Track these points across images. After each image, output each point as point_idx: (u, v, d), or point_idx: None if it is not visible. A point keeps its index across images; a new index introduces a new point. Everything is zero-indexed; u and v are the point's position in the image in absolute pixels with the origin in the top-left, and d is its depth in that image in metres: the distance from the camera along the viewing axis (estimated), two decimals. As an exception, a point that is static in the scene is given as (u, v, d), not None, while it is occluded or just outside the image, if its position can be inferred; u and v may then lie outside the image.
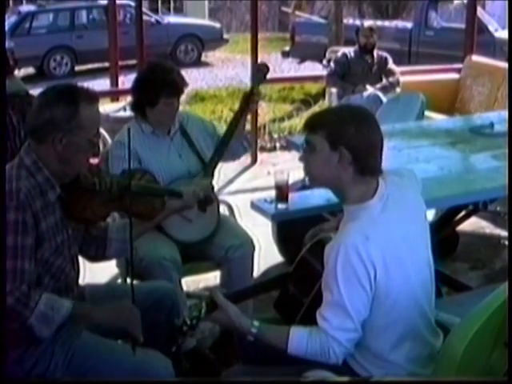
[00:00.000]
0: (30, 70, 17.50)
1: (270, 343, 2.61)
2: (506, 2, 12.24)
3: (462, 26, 9.07)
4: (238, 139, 4.05)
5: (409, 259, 2.57)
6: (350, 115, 2.62)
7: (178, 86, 3.87)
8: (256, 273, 4.13)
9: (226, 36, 20.47)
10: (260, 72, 4.07)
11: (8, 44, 4.61)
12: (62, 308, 2.61)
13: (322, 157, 2.60)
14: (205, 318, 2.57)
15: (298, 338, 2.55)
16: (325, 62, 11.67)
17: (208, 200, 3.65)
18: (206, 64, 19.19)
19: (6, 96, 3.90)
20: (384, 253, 2.48)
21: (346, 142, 2.54)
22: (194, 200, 3.38)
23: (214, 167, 3.97)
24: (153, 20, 18.66)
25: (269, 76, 4.19)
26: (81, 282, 3.01)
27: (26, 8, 19.66)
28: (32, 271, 2.58)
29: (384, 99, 6.95)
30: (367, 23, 8.03)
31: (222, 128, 9.55)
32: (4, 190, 2.58)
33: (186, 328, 2.53)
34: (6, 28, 16.71)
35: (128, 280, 3.90)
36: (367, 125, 2.58)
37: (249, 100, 4.00)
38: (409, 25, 15.93)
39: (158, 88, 3.79)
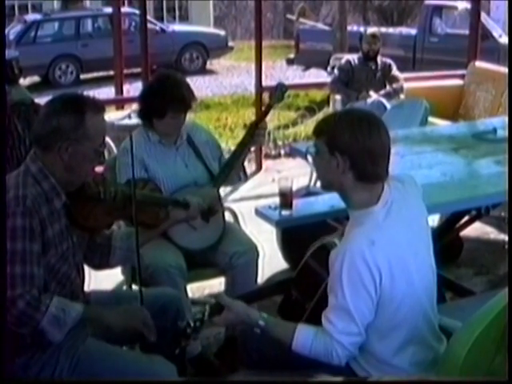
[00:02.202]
0: (36, 79, 17.55)
1: (276, 337, 2.64)
2: (506, 4, 12.28)
3: (467, 32, 9.07)
4: (236, 169, 4.03)
5: (413, 264, 2.59)
6: (348, 121, 2.62)
7: (186, 101, 3.85)
8: (260, 279, 4.14)
9: (230, 44, 20.52)
10: (279, 90, 4.08)
11: (13, 53, 4.61)
12: (73, 311, 2.63)
13: (324, 161, 2.63)
14: (208, 320, 2.58)
15: (304, 337, 2.58)
16: (329, 69, 11.68)
17: (212, 211, 3.69)
18: (211, 72, 19.23)
19: (12, 105, 3.94)
20: (389, 258, 2.50)
21: (340, 148, 2.56)
22: (197, 211, 3.42)
23: (223, 181, 4.00)
24: (158, 28, 18.73)
25: (273, 84, 4.23)
26: (86, 288, 3.02)
27: (31, 17, 19.71)
28: (41, 276, 2.60)
29: (388, 106, 6.95)
30: (370, 30, 8.04)
31: (226, 135, 9.58)
32: (4, 197, 2.59)
33: (190, 330, 2.55)
34: (12, 37, 16.83)
35: (133, 286, 3.93)
36: (365, 130, 2.56)
37: (266, 115, 4.03)
38: (413, 31, 15.99)
39: (166, 102, 3.78)
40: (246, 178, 4.36)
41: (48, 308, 2.56)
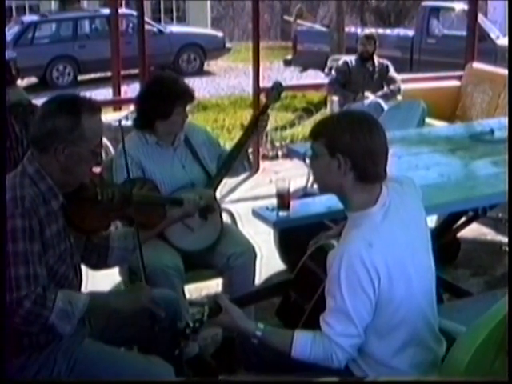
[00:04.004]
0: (33, 80, 17.54)
1: (274, 346, 2.63)
2: (507, 5, 12.28)
3: (464, 33, 9.09)
4: (240, 159, 4.07)
5: (411, 265, 2.58)
6: (348, 121, 2.62)
7: (189, 92, 3.89)
8: (258, 280, 4.14)
9: (228, 45, 20.51)
10: (275, 90, 4.09)
11: (11, 54, 4.61)
12: (79, 302, 2.63)
13: (323, 164, 2.62)
14: (208, 321, 2.58)
15: (302, 343, 2.57)
16: (326, 70, 11.69)
17: (209, 208, 3.69)
18: (209, 73, 19.23)
19: (9, 106, 3.93)
20: (387, 260, 2.49)
21: (342, 149, 2.55)
22: (194, 208, 3.43)
23: (220, 182, 4.00)
24: (155, 29, 18.72)
25: (270, 84, 4.25)
26: (83, 289, 3.02)
27: (28, 18, 19.70)
28: (44, 275, 2.60)
29: (385, 107, 6.95)
30: (365, 31, 8.03)
31: (224, 137, 9.58)
32: (4, 197, 2.59)
33: (189, 331, 2.54)
34: (9, 38, 16.81)
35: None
36: (365, 131, 2.56)
37: (258, 120, 4.03)
38: (410, 33, 16.00)
39: (171, 99, 3.79)
40: (251, 167, 4.38)
41: (55, 303, 2.56)
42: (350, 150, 2.55)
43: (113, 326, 2.96)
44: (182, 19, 26.86)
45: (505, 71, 7.57)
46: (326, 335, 2.54)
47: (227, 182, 4.70)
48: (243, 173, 4.48)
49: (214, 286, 4.36)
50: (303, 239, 3.39)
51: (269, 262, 4.83)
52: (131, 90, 10.31)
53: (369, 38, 7.63)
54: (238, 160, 4.04)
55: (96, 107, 2.78)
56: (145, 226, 3.14)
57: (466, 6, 11.65)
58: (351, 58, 7.68)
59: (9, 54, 4.75)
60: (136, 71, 8.60)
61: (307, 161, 2.73)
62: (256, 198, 6.39)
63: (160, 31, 19.17)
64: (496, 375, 2.49)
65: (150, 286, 3.49)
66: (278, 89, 4.09)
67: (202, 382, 3.72)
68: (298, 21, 18.70)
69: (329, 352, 2.53)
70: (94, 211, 2.87)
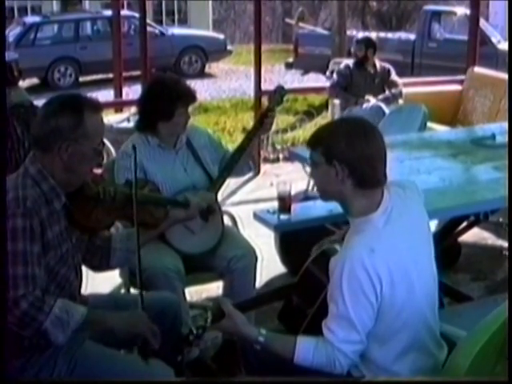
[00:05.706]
0: (35, 81, 17.55)
1: (277, 352, 2.63)
2: (507, 8, 12.29)
3: (465, 37, 9.09)
4: (245, 159, 4.07)
5: (414, 271, 2.58)
6: (343, 129, 2.63)
7: (192, 93, 3.91)
8: (259, 283, 4.14)
9: (229, 47, 20.52)
10: (278, 94, 4.11)
11: (13, 55, 4.60)
12: (76, 313, 2.62)
13: (321, 172, 2.64)
14: (210, 327, 2.57)
15: (305, 349, 2.57)
16: (328, 73, 11.68)
17: (210, 210, 3.70)
18: (210, 75, 19.23)
19: (11, 107, 3.93)
20: (389, 265, 2.49)
21: (338, 157, 2.56)
22: (196, 210, 3.43)
23: (222, 183, 4.00)
24: (157, 31, 18.73)
25: (271, 88, 4.26)
26: (83, 291, 3.02)
27: (30, 19, 19.71)
28: (42, 277, 2.60)
29: (386, 111, 6.94)
30: (358, 36, 8.02)
31: (225, 139, 9.57)
32: (5, 198, 2.59)
33: (192, 337, 2.54)
34: (11, 39, 16.83)
35: (131, 290, 3.92)
36: (361, 137, 2.57)
37: (263, 120, 4.04)
38: (412, 36, 15.99)
39: (173, 100, 3.80)
40: (255, 167, 4.38)
41: (52, 309, 2.55)
42: (346, 157, 2.55)
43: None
44: (183, 21, 26.87)
45: (506, 76, 7.55)
46: (329, 341, 2.54)
47: (229, 185, 4.71)
48: (248, 172, 4.48)
49: (215, 288, 4.36)
50: (304, 242, 3.39)
51: (269, 265, 4.82)
52: (133, 91, 10.32)
53: (358, 42, 7.59)
54: (242, 161, 4.04)
55: (97, 105, 2.79)
56: (146, 225, 3.14)
57: (467, 11, 11.66)
58: (352, 62, 7.67)
59: (11, 55, 4.74)
60: (137, 73, 8.61)
61: (307, 168, 2.74)
62: (257, 201, 6.39)
63: (162, 33, 19.20)
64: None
65: (150, 288, 3.52)
66: (280, 92, 4.10)
67: (201, 383, 3.72)
68: (300, 24, 18.71)
69: (331, 358, 2.54)
70: (97, 209, 2.88)
